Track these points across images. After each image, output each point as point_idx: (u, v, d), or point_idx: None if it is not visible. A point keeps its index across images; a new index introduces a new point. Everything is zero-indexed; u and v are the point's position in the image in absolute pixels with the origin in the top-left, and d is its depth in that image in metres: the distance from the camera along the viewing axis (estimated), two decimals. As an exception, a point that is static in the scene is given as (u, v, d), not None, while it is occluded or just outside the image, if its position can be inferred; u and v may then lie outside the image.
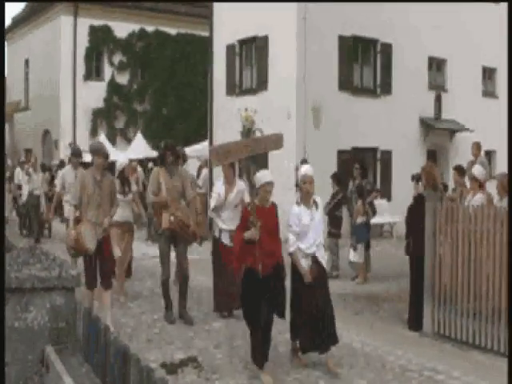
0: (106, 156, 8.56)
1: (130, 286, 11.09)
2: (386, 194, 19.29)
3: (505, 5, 20.02)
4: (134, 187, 10.97)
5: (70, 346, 3.87)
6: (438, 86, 21.72)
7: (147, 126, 30.08)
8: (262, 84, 19.19)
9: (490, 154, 21.46)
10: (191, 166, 18.68)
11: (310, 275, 6.86)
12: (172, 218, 8.68)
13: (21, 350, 3.77)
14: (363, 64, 20.10)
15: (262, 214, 6.66)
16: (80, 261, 8.45)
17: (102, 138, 24.73)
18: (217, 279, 9.41)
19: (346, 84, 19.27)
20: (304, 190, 7.01)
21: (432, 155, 21.29)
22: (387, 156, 20.22)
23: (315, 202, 7.08)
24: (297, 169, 17.06)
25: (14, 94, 34.55)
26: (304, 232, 6.93)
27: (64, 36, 29.25)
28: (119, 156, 14.64)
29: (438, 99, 21.28)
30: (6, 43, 33.72)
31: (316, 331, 6.85)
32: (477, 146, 13.63)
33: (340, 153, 18.69)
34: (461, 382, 6.83)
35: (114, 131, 29.92)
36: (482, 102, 22.87)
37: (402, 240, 10.32)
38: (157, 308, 9.67)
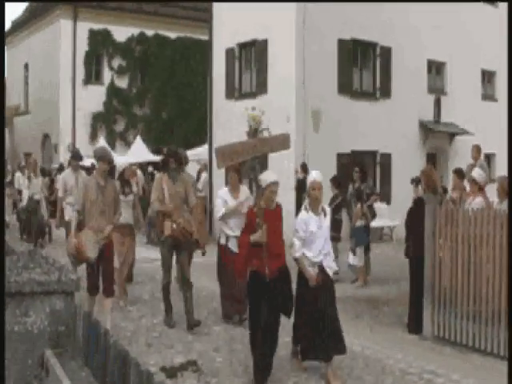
0: (111, 162, 8.47)
1: (130, 289, 11.08)
2: (386, 197, 19.29)
3: (504, 8, 20.07)
4: (134, 188, 10.95)
5: (69, 349, 3.88)
6: (437, 89, 21.73)
7: (147, 130, 30.10)
8: (261, 87, 19.20)
9: (489, 157, 21.47)
10: (191, 170, 18.65)
11: (315, 281, 6.77)
12: (174, 225, 8.58)
13: (20, 353, 3.78)
14: (362, 67, 20.12)
15: (268, 216, 6.59)
16: (82, 266, 8.38)
17: (102, 141, 24.73)
18: (224, 288, 9.27)
19: (346, 87, 19.28)
20: (313, 197, 6.89)
21: (431, 158, 21.30)
22: (387, 159, 20.23)
23: (324, 210, 6.99)
24: (296, 172, 17.11)
25: (13, 97, 34.58)
26: (311, 239, 6.83)
27: (63, 40, 29.27)
28: (119, 160, 14.63)
29: (438, 102, 21.30)
30: (5, 47, 33.73)
31: (318, 340, 6.77)
32: (477, 149, 13.61)
33: (339, 156, 18.70)
34: (461, 385, 6.84)
35: (113, 135, 29.94)
36: (482, 105, 22.89)
37: (401, 243, 10.32)
38: (156, 312, 9.66)
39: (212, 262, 9.81)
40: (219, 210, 9.14)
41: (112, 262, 8.50)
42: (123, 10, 30.13)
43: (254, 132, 6.81)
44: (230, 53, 20.46)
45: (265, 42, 19.05)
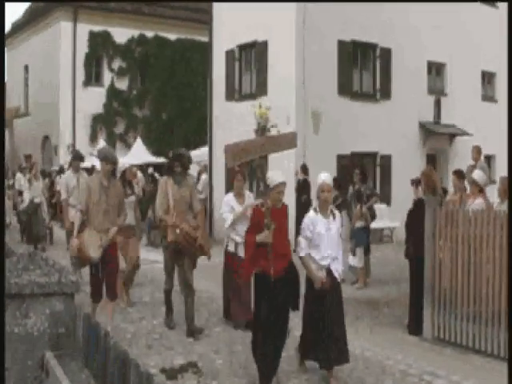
0: (115, 162, 8.35)
1: (130, 291, 11.07)
2: (386, 198, 19.29)
3: (504, 9, 20.08)
4: (136, 189, 10.90)
5: (69, 351, 3.87)
6: (437, 91, 21.73)
7: (147, 132, 30.10)
8: (261, 89, 19.20)
9: (489, 159, 21.45)
10: (191, 171, 18.65)
11: (320, 282, 6.70)
12: (178, 230, 8.42)
13: (20, 355, 3.78)
14: (362, 69, 20.13)
15: (275, 216, 6.52)
16: (86, 271, 8.30)
17: (102, 143, 24.73)
18: (234, 294, 9.08)
19: (346, 89, 19.28)
20: (322, 198, 6.82)
21: (431, 159, 21.30)
22: (387, 160, 20.23)
23: (333, 212, 6.93)
24: (296, 174, 17.11)
25: (13, 99, 34.59)
26: (318, 241, 6.75)
27: (63, 42, 29.29)
28: (120, 161, 14.61)
29: (438, 103, 21.30)
30: (5, 49, 33.76)
31: (321, 344, 6.72)
32: (477, 150, 13.59)
33: (340, 157, 18.70)
34: (461, 386, 6.84)
35: (113, 137, 29.94)
36: (482, 106, 22.88)
37: (401, 244, 10.32)
38: (157, 313, 9.66)
39: (212, 264, 9.77)
40: (227, 217, 9.03)
41: (115, 265, 8.40)
42: (123, 12, 30.17)
43: (262, 130, 6.72)
44: (229, 54, 20.47)
45: (265, 44, 19.06)
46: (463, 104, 21.77)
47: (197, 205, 8.87)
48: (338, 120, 18.62)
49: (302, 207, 14.21)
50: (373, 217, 12.93)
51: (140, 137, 27.13)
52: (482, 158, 14.26)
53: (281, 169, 16.19)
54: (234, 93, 20.39)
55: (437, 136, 21.30)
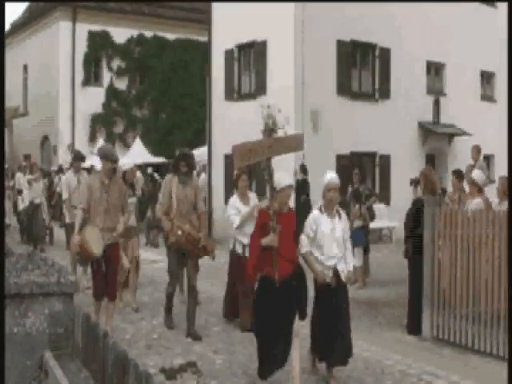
0: (115, 160, 8.27)
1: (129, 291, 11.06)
2: (385, 198, 19.30)
3: (503, 9, 20.09)
4: (137, 192, 10.89)
5: (68, 351, 3.87)
6: (436, 91, 21.74)
7: (146, 132, 30.08)
8: (260, 89, 19.21)
9: (488, 158, 21.45)
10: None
11: (323, 277, 6.60)
12: (180, 232, 8.36)
13: (19, 355, 3.77)
14: (362, 69, 20.13)
15: (280, 219, 6.39)
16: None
17: (101, 143, 24.70)
18: (243, 295, 8.83)
19: (345, 89, 19.29)
20: (328, 198, 6.72)
21: (431, 159, 21.31)
22: (386, 160, 20.23)
23: (339, 212, 6.84)
24: (295, 174, 17.10)
25: (12, 99, 34.55)
26: (322, 241, 6.67)
27: (62, 41, 29.26)
28: (121, 161, 14.60)
29: (437, 103, 21.31)
30: (5, 48, 33.74)
31: (326, 342, 6.68)
32: (477, 150, 13.58)
33: (339, 157, 18.70)
34: (460, 386, 6.84)
35: (112, 137, 29.89)
36: (481, 106, 22.90)
37: (400, 244, 10.31)
38: (156, 314, 9.65)
39: (211, 264, 9.77)
40: (234, 219, 8.88)
41: (117, 266, 8.37)
42: (122, 12, 30.16)
43: (270, 131, 6.64)
44: (228, 54, 20.47)
45: (264, 44, 19.07)
46: (462, 104, 21.77)
47: (201, 205, 8.81)
48: (337, 120, 18.62)
49: (301, 207, 14.21)
50: (372, 217, 12.93)
51: (139, 137, 27.13)
52: (481, 157, 14.26)
53: (280, 169, 16.29)
54: (233, 92, 20.40)
55: (436, 136, 21.31)
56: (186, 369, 7.08)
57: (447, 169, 19.82)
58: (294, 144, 6.99)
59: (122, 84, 30.65)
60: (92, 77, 30.23)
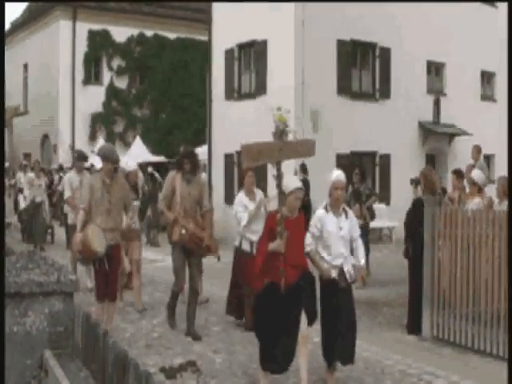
0: (116, 161, 8.13)
1: (130, 292, 11.04)
2: (385, 198, 19.29)
3: (503, 9, 20.08)
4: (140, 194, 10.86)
5: (68, 350, 3.87)
6: (436, 90, 21.73)
7: (146, 131, 30.09)
8: (260, 88, 19.21)
9: (488, 158, 21.45)
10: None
11: (329, 273, 6.47)
12: (183, 230, 8.26)
13: (19, 354, 3.77)
14: (362, 68, 20.13)
15: (289, 225, 6.24)
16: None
17: (101, 142, 24.70)
18: (249, 294, 8.53)
19: (345, 88, 19.28)
20: (334, 196, 6.59)
21: (431, 159, 21.31)
22: (386, 160, 20.23)
23: (345, 211, 6.73)
24: (295, 173, 17.08)
25: (12, 98, 34.54)
26: (328, 240, 6.53)
27: (63, 41, 29.29)
28: (122, 162, 14.57)
29: (437, 103, 21.30)
30: (5, 47, 33.73)
31: (327, 341, 6.60)
32: (477, 150, 13.56)
33: (339, 157, 18.70)
34: (460, 386, 6.84)
35: (112, 136, 29.91)
36: (481, 106, 22.89)
37: (400, 244, 10.30)
38: (156, 313, 9.65)
39: (211, 263, 9.76)
40: (242, 217, 8.76)
41: (118, 267, 8.33)
42: (122, 11, 30.17)
43: (280, 133, 6.55)
44: (229, 53, 20.47)
45: (264, 43, 19.07)
46: (462, 104, 21.76)
47: (206, 203, 8.67)
48: (337, 119, 18.62)
49: (301, 207, 14.17)
50: (372, 216, 12.92)
51: (139, 136, 27.12)
52: (482, 157, 14.25)
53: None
54: (233, 92, 20.39)
55: (436, 136, 21.31)
56: (186, 368, 7.07)
57: (447, 169, 19.80)
58: (304, 149, 6.89)
59: (122, 83, 30.66)
60: (92, 76, 30.25)
